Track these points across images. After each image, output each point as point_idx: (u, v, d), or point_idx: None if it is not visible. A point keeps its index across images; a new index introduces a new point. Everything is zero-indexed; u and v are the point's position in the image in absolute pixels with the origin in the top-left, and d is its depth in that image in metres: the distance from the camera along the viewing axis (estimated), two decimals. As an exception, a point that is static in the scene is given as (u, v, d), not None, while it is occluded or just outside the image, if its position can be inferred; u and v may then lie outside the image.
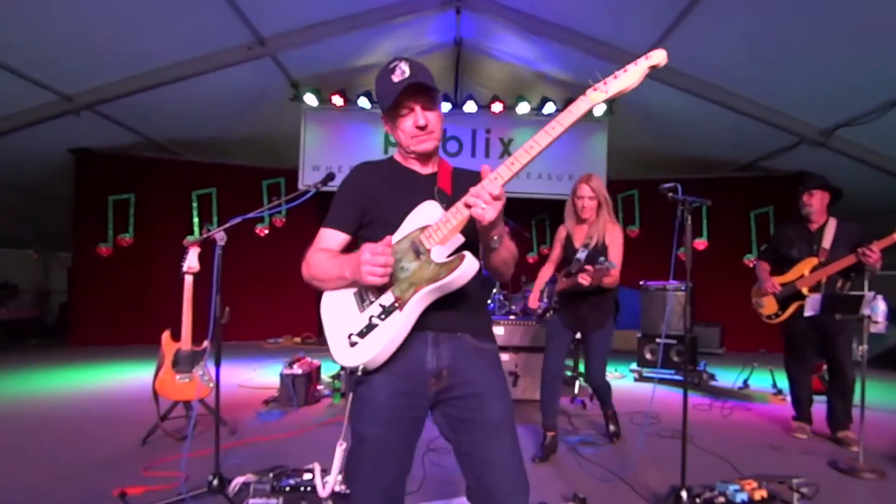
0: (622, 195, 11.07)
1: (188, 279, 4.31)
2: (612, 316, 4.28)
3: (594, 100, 1.72)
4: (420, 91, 1.93)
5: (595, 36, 7.53)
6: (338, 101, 9.17)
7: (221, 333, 3.41)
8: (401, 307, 1.78)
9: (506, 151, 9.54)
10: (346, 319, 1.86)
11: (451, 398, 1.88)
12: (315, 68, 8.72)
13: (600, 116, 9.42)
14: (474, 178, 1.89)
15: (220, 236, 3.41)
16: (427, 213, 1.89)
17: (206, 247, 3.88)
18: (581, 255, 4.04)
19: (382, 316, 1.80)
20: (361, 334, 1.81)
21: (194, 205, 10.41)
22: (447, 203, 1.87)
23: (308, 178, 9.36)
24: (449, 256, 1.79)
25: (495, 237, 1.82)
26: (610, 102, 8.85)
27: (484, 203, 1.68)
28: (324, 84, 9.11)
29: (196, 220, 10.37)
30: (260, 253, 10.57)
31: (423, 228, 1.84)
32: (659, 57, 1.67)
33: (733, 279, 9.48)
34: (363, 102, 9.12)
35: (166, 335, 4.49)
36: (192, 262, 4.26)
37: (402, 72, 1.91)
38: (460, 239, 1.83)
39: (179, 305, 4.37)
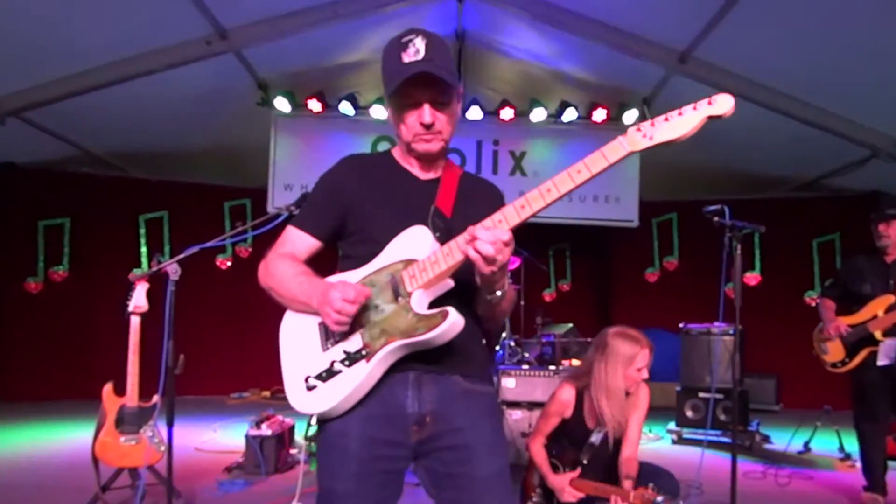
0: (658, 219, 11.18)
1: (134, 321, 4.35)
2: None
3: (635, 145, 1.71)
4: (432, 81, 1.87)
5: (624, 28, 7.52)
6: (315, 106, 9.07)
7: (175, 386, 3.43)
8: (368, 358, 1.78)
9: (517, 167, 9.58)
10: (306, 356, 1.87)
11: (435, 449, 1.87)
12: (288, 67, 8.73)
13: (631, 125, 9.31)
14: (486, 191, 1.91)
15: (172, 269, 3.47)
16: (415, 242, 1.85)
17: (157, 282, 3.92)
18: (596, 437, 3.77)
19: (346, 363, 1.79)
20: (321, 378, 1.81)
21: (142, 231, 10.47)
22: (443, 231, 1.86)
23: (279, 200, 9.26)
24: (431, 308, 1.77)
25: (498, 292, 1.82)
26: (643, 107, 8.78)
27: (493, 252, 1.62)
28: (298, 86, 9.07)
29: (144, 249, 10.42)
30: (221, 289, 10.62)
31: (407, 263, 1.82)
32: (725, 106, 1.61)
33: (792, 321, 9.47)
34: (346, 108, 9.02)
35: (108, 388, 4.48)
36: (139, 300, 4.31)
37: (416, 51, 1.85)
38: (449, 284, 1.81)
39: (124, 352, 4.37)
